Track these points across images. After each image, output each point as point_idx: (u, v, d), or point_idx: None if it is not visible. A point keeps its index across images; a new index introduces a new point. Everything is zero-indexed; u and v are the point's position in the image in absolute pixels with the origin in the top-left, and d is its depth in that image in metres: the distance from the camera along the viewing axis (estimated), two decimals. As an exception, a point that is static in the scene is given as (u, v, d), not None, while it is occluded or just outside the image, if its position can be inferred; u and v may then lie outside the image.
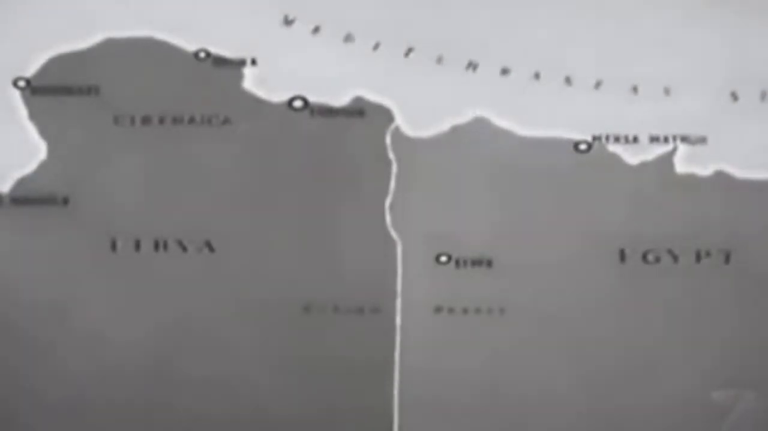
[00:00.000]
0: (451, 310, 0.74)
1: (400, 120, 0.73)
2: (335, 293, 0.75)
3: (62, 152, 0.73)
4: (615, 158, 0.73)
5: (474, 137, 0.73)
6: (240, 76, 0.73)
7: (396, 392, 0.75)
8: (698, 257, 0.73)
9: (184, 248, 0.74)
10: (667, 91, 0.72)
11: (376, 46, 0.73)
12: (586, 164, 0.73)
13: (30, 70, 0.73)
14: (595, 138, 0.73)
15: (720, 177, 0.72)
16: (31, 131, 0.73)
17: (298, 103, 0.73)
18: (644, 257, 0.74)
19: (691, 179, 0.73)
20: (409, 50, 0.73)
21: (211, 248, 0.74)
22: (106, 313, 0.75)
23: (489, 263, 0.74)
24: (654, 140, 0.72)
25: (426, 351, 0.75)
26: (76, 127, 0.73)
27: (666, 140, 0.72)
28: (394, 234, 0.74)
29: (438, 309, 0.74)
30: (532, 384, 0.75)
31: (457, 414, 0.76)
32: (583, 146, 0.73)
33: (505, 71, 0.73)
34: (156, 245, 0.74)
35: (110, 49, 0.73)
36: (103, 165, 0.74)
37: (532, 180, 0.73)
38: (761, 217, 0.73)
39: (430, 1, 0.72)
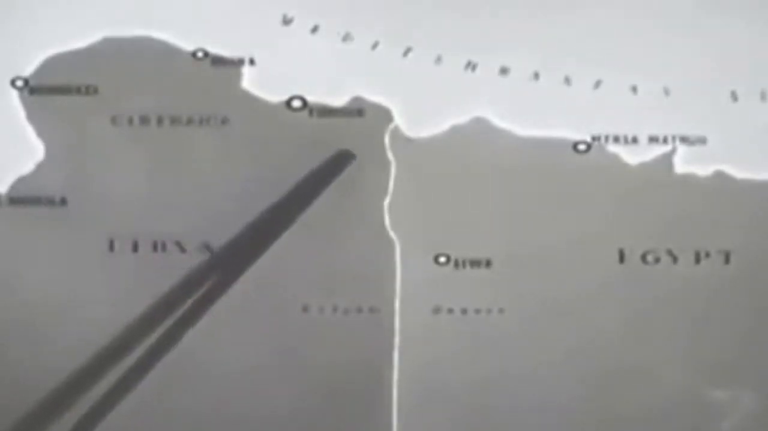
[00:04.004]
0: (450, 310, 0.74)
1: (399, 120, 0.73)
2: (334, 294, 0.74)
3: (60, 152, 0.73)
4: (614, 158, 0.73)
5: (473, 137, 0.73)
6: (238, 76, 0.73)
7: (395, 392, 0.75)
8: (698, 258, 0.73)
9: (183, 249, 0.74)
10: (666, 91, 0.72)
11: (375, 46, 0.73)
12: (585, 164, 0.73)
13: (28, 69, 0.73)
14: (594, 138, 0.73)
15: (720, 177, 0.72)
16: (29, 131, 0.73)
17: (296, 103, 0.73)
18: (643, 257, 0.73)
19: (690, 180, 0.73)
20: (408, 50, 0.73)
21: (209, 249, 0.74)
22: (104, 314, 0.74)
23: (488, 264, 0.74)
24: (653, 140, 0.72)
25: (425, 351, 0.74)
26: (74, 127, 0.73)
27: (665, 140, 0.72)
28: (392, 234, 0.73)
29: (437, 310, 0.74)
30: (532, 384, 0.75)
31: (455, 414, 0.76)
32: (582, 146, 0.73)
33: (504, 71, 0.72)
34: (154, 246, 0.74)
35: (108, 48, 0.73)
36: (101, 166, 0.73)
37: (531, 180, 0.73)
38: (761, 217, 0.73)
39: (429, 1, 0.72)
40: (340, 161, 0.72)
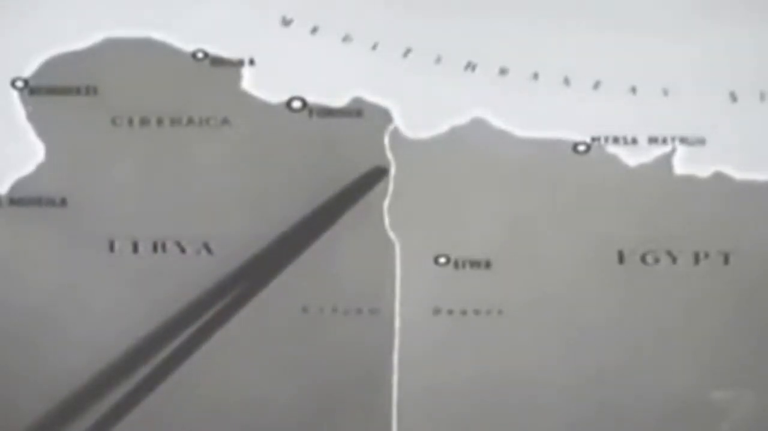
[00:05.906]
0: (449, 311, 0.74)
1: (398, 121, 0.73)
2: (334, 294, 0.74)
3: (60, 153, 0.73)
4: (614, 159, 0.73)
5: (472, 138, 0.73)
6: (238, 77, 0.73)
7: (394, 393, 0.75)
8: (697, 259, 0.73)
9: (183, 250, 0.74)
10: (665, 92, 0.72)
11: (375, 47, 0.73)
12: (584, 165, 0.73)
13: (28, 70, 0.73)
14: (594, 139, 0.72)
15: (719, 178, 0.72)
16: (29, 131, 0.73)
17: (296, 104, 0.73)
18: (643, 258, 0.73)
19: (690, 180, 0.73)
20: (408, 50, 0.73)
21: (209, 250, 0.74)
22: (104, 314, 0.75)
23: (488, 265, 0.74)
24: (653, 141, 0.72)
25: (425, 352, 0.75)
26: (74, 128, 0.73)
27: (665, 141, 0.72)
28: (392, 235, 0.73)
29: (437, 310, 0.74)
30: (531, 385, 0.75)
31: (455, 415, 0.76)
32: (582, 147, 0.73)
33: (503, 71, 0.72)
34: (154, 247, 0.74)
35: (108, 49, 0.73)
36: (101, 166, 0.74)
37: (531, 181, 0.73)
38: (761, 218, 0.73)
39: (429, 1, 0.72)
40: (373, 176, 0.72)
